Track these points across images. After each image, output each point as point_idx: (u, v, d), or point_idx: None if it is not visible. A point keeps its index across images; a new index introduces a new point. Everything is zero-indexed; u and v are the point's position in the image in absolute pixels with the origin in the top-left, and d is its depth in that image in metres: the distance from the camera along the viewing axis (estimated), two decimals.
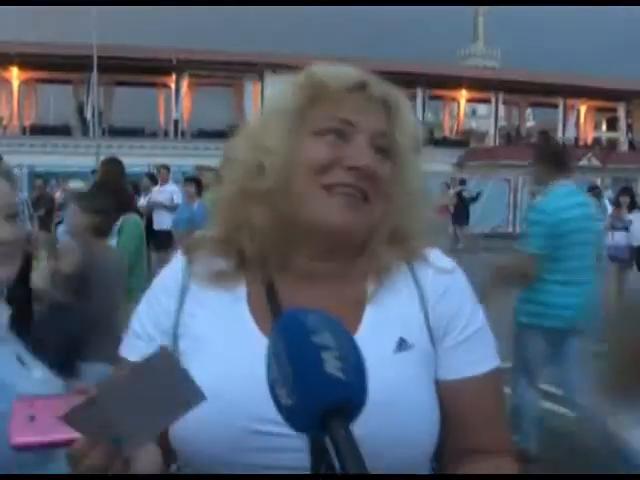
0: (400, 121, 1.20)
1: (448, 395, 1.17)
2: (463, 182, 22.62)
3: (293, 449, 1.05)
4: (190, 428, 1.07)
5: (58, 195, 13.77)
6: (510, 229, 25.02)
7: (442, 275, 1.23)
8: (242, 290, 1.20)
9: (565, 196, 4.53)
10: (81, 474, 1.01)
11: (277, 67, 32.75)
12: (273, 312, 1.16)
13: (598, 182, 26.45)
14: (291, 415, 0.84)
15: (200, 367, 1.11)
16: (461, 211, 21.15)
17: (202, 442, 1.08)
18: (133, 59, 34.86)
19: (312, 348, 0.83)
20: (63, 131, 35.91)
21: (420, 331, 1.18)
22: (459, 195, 21.30)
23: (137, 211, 7.12)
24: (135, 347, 1.20)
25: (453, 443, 1.17)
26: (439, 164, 33.46)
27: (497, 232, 24.80)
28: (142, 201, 11.73)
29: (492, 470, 1.14)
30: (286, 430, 1.02)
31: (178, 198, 11.07)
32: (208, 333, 1.17)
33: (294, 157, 1.16)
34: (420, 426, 1.11)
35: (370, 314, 1.18)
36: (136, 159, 25.31)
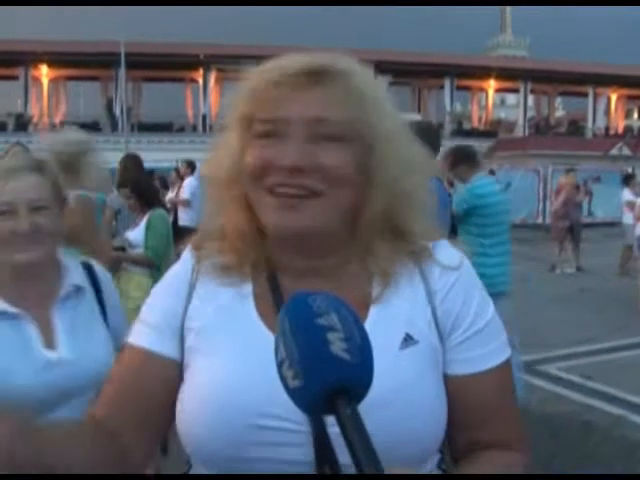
0: (344, 98, 1.11)
1: (457, 390, 1.15)
2: (492, 173, 22.40)
3: (294, 444, 1.05)
4: (194, 423, 1.09)
5: None
6: (540, 220, 24.76)
7: (449, 269, 1.19)
8: (248, 287, 1.19)
9: (487, 185, 5.41)
10: (82, 474, 1.03)
11: None
12: (278, 310, 1.10)
13: (629, 171, 26.15)
14: (297, 396, 0.84)
15: (205, 362, 1.14)
16: None
17: (206, 436, 1.08)
18: (161, 55, 35.08)
19: (318, 329, 0.83)
20: (92, 127, 36.15)
21: (428, 326, 1.16)
22: None
23: (164, 206, 7.16)
24: (143, 334, 1.21)
25: (463, 438, 1.17)
26: None
27: (527, 223, 24.57)
28: (170, 195, 11.77)
29: (504, 467, 1.14)
30: (287, 425, 1.03)
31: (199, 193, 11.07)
32: (214, 329, 1.17)
33: (243, 159, 1.14)
34: (426, 421, 1.10)
35: (375, 311, 1.16)
36: (165, 154, 25.48)
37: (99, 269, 2.18)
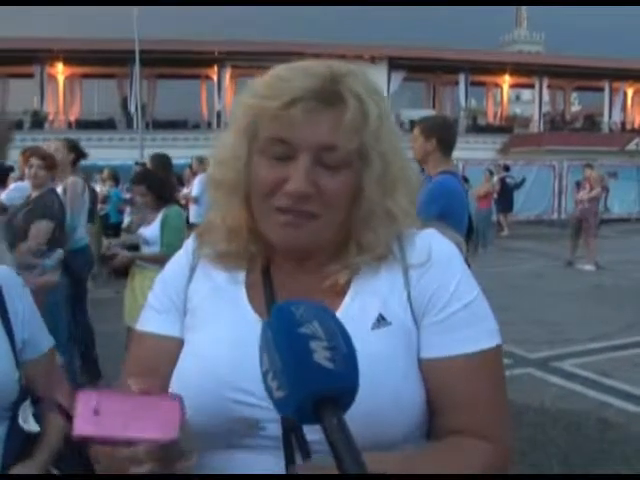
0: (352, 121, 1.13)
1: (430, 374, 1.15)
2: (507, 169, 22.30)
3: (269, 420, 1.08)
4: (186, 397, 1.07)
5: (99, 188, 13.90)
6: (555, 216, 24.63)
7: (426, 254, 1.21)
8: (242, 274, 1.26)
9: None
10: (81, 474, 1.04)
11: (320, 56, 32.68)
12: (266, 297, 1.21)
13: None
14: (283, 406, 0.85)
15: (192, 337, 1.23)
16: (505, 198, 20.87)
17: (198, 410, 1.08)
18: (175, 52, 35.13)
19: (300, 339, 0.84)
20: (108, 125, 36.38)
21: (403, 309, 1.18)
22: (503, 182, 21.02)
23: (179, 203, 7.18)
24: (152, 319, 1.29)
25: (437, 423, 1.18)
26: (482, 151, 33.19)
27: (542, 219, 24.47)
28: (185, 192, 11.80)
29: (459, 455, 1.13)
30: (260, 402, 1.06)
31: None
32: (204, 307, 1.24)
33: (249, 173, 1.19)
34: (393, 400, 1.10)
35: (353, 294, 1.20)
36: (180, 151, 25.51)
37: (2, 274, 1.98)
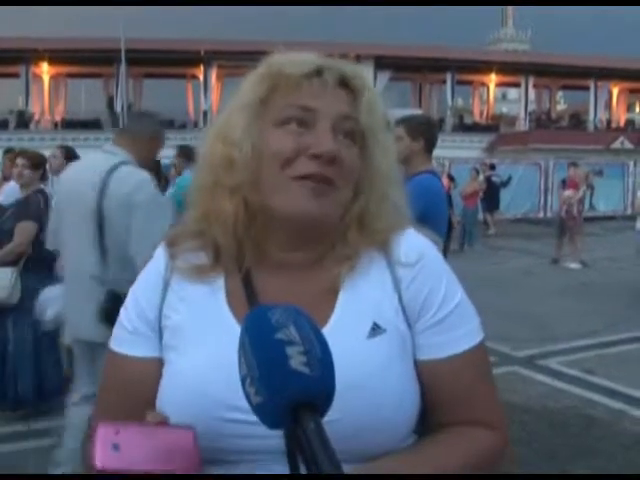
0: (363, 103, 1.19)
1: (427, 375, 1.17)
2: (493, 167, 22.35)
3: (264, 436, 1.03)
4: (170, 414, 1.08)
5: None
6: (541, 214, 24.71)
7: (415, 256, 1.21)
8: (220, 282, 1.21)
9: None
10: (81, 474, 1.04)
11: None
12: (249, 303, 1.17)
13: (631, 165, 26.12)
14: (261, 412, 0.86)
15: (176, 357, 1.17)
16: (491, 196, 20.91)
17: None
18: (161, 51, 35.05)
19: (276, 344, 0.84)
20: (94, 125, 36.22)
21: (395, 314, 1.18)
22: (489, 180, 21.07)
23: None
24: (122, 340, 1.23)
25: (437, 420, 1.19)
26: (469, 149, 33.27)
27: (528, 217, 24.54)
28: (170, 191, 11.76)
29: (467, 440, 1.16)
30: (254, 418, 1.03)
31: None
32: (186, 325, 1.19)
33: (260, 149, 1.16)
34: (395, 407, 1.11)
35: (343, 301, 1.18)
36: (166, 151, 25.40)
37: None
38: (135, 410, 1.13)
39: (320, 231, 1.19)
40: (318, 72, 1.17)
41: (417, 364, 1.18)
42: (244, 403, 1.00)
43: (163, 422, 0.95)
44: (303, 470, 0.86)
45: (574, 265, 13.60)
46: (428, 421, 1.19)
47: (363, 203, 1.21)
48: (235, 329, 1.10)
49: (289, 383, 0.82)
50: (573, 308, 9.63)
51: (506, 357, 7.22)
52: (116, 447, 0.90)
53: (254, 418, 1.01)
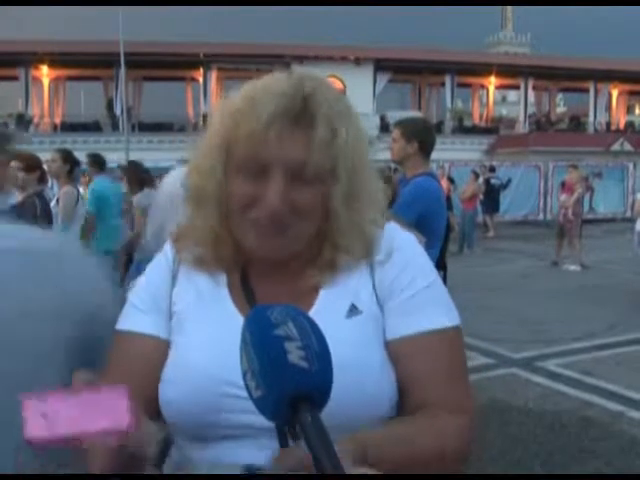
0: (322, 138, 1.18)
1: (396, 353, 1.22)
2: (493, 169, 22.40)
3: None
4: (172, 391, 1.20)
5: (82, 190, 13.91)
6: (541, 216, 24.74)
7: (389, 244, 1.29)
8: (223, 276, 1.30)
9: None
10: (80, 474, 1.06)
11: (304, 59, 32.76)
12: (247, 297, 1.27)
13: (631, 167, 26.14)
14: (261, 405, 0.89)
15: (181, 339, 1.26)
16: (491, 199, 20.95)
17: (181, 403, 1.19)
18: (161, 54, 35.11)
19: (275, 340, 0.88)
20: (93, 127, 36.28)
21: (370, 297, 1.25)
22: (489, 183, 21.10)
23: None
24: (134, 318, 1.31)
25: (407, 399, 1.23)
26: (468, 152, 33.32)
27: (528, 219, 24.57)
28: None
29: (435, 424, 1.19)
30: None
31: None
32: (192, 311, 1.28)
33: (225, 187, 1.23)
34: (378, 384, 1.18)
35: (324, 292, 1.26)
36: (165, 154, 25.45)
37: None
38: (146, 386, 1.22)
39: (289, 258, 1.26)
40: (267, 124, 1.16)
41: (387, 345, 1.23)
42: (239, 379, 1.04)
43: (92, 383, 0.95)
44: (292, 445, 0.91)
45: (573, 267, 13.61)
46: (402, 401, 1.23)
47: (333, 223, 1.25)
48: (236, 316, 1.24)
49: (287, 376, 0.85)
50: (572, 310, 9.63)
51: (504, 359, 7.23)
52: (44, 416, 0.91)
53: (245, 393, 1.07)
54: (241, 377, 0.92)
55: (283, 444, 1.12)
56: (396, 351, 1.22)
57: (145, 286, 1.35)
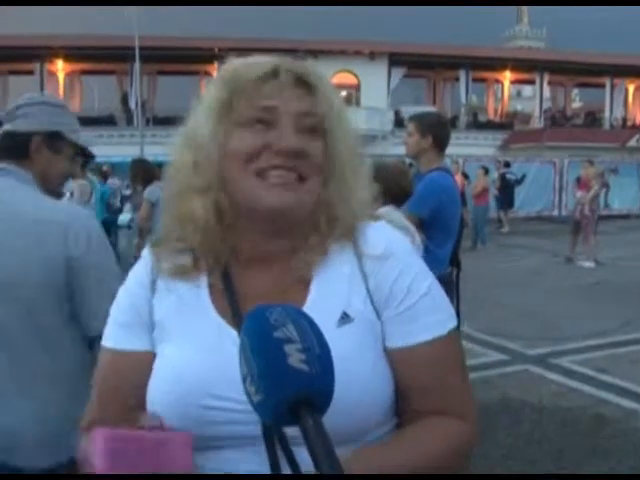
0: (321, 98, 1.22)
1: (397, 362, 1.20)
2: (508, 165, 22.29)
3: (244, 422, 1.10)
4: (156, 403, 1.17)
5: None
6: (555, 212, 24.60)
7: (381, 248, 1.25)
8: (203, 279, 1.26)
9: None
10: (79, 474, 1.06)
11: (318, 53, 32.73)
12: (229, 298, 1.22)
13: None
14: (261, 410, 0.87)
15: (163, 349, 1.23)
16: (506, 194, 20.89)
17: (171, 418, 1.13)
18: (175, 48, 35.18)
19: (274, 343, 0.86)
20: (108, 121, 36.38)
21: (363, 304, 1.21)
22: (503, 178, 21.01)
23: None
24: (115, 334, 1.28)
25: (408, 407, 1.22)
26: (483, 147, 33.20)
27: (542, 215, 24.45)
28: None
29: (438, 433, 1.19)
30: (235, 405, 1.09)
31: None
32: (173, 320, 1.24)
33: (224, 150, 1.20)
34: (363, 392, 1.14)
35: (314, 292, 1.22)
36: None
37: None
38: (130, 403, 1.19)
39: (291, 223, 1.23)
40: (274, 73, 1.20)
41: (387, 352, 1.21)
42: (226, 391, 1.05)
43: (157, 426, 0.97)
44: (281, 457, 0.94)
45: (588, 264, 13.53)
46: (403, 410, 1.23)
47: (329, 193, 1.24)
48: (217, 322, 1.21)
49: (288, 380, 0.84)
50: (586, 307, 9.58)
51: (518, 355, 7.20)
52: (114, 454, 0.93)
53: (234, 405, 1.07)
54: (222, 388, 0.90)
55: (271, 452, 1.11)
56: (396, 359, 1.21)
57: (125, 296, 1.31)
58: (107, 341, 1.29)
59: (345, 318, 1.19)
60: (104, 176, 15.54)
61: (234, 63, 1.27)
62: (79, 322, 2.08)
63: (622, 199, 25.21)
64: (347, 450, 1.06)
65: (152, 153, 22.55)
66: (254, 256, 1.25)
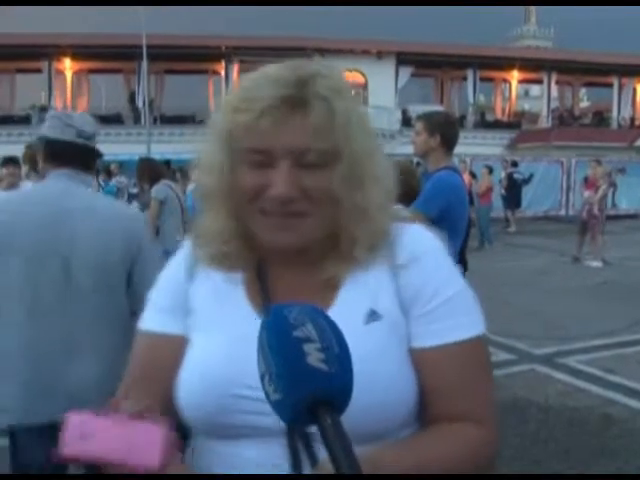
0: (336, 116, 1.17)
1: (421, 363, 1.20)
2: (515, 164, 22.23)
3: (271, 413, 1.07)
4: (187, 391, 1.20)
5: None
6: (563, 212, 24.53)
7: (411, 248, 1.26)
8: (239, 273, 1.28)
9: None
10: (79, 474, 1.07)
11: (326, 52, 32.69)
12: (262, 292, 1.25)
13: None
14: (280, 409, 0.87)
15: (196, 337, 1.26)
16: (513, 194, 20.84)
17: (196, 403, 1.18)
18: (183, 47, 35.16)
19: (294, 342, 0.85)
20: (115, 120, 36.38)
21: (391, 302, 1.22)
22: (511, 178, 20.96)
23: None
24: (154, 318, 1.32)
25: (430, 409, 1.21)
26: (490, 147, 33.11)
27: (550, 215, 24.38)
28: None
29: (457, 439, 1.18)
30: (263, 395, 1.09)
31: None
32: (206, 308, 1.27)
33: (234, 179, 1.21)
34: (388, 393, 1.14)
35: (344, 290, 1.23)
36: (187, 146, 25.47)
37: None
38: (161, 388, 1.22)
39: (306, 248, 1.23)
40: (263, 113, 1.15)
41: (411, 352, 1.21)
42: (250, 380, 1.05)
43: (139, 413, 0.96)
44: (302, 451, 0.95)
45: (595, 263, 13.50)
46: (425, 412, 1.21)
47: (359, 200, 1.22)
48: (250, 313, 1.24)
49: (306, 380, 0.84)
50: (593, 306, 9.55)
51: (525, 355, 7.19)
52: (82, 435, 0.93)
53: (258, 394, 1.05)
54: (254, 378, 0.90)
55: (292, 446, 1.13)
56: (420, 360, 1.20)
57: (165, 283, 1.35)
58: (144, 324, 1.33)
59: (373, 316, 1.19)
60: (109, 174, 15.58)
61: (233, 93, 1.24)
62: (134, 297, 2.59)
63: (630, 199, 25.11)
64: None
65: (159, 151, 22.68)
66: (286, 260, 1.26)
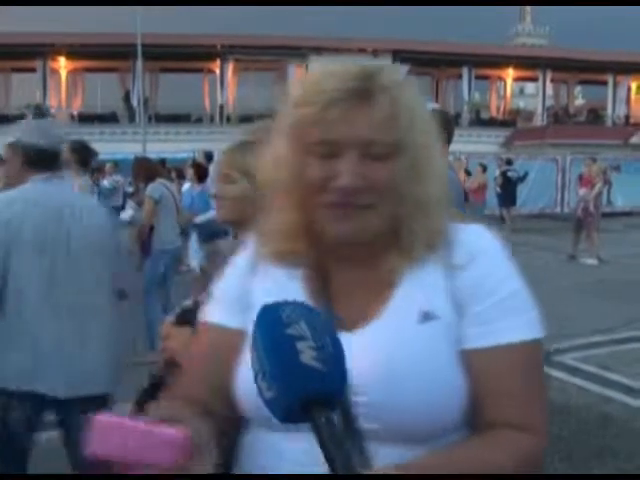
0: (400, 112, 1.20)
1: (472, 364, 1.18)
2: (510, 162, 22.24)
3: None
4: (242, 387, 1.20)
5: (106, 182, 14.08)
6: (558, 209, 24.57)
7: (472, 246, 1.25)
8: (299, 269, 1.29)
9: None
10: (79, 474, 1.06)
11: (321, 50, 32.69)
12: (322, 290, 1.27)
13: None
14: (273, 407, 0.87)
15: None
16: (508, 192, 20.84)
17: (247, 398, 1.18)
18: (178, 46, 35.14)
19: (287, 340, 0.85)
20: (110, 119, 36.38)
21: (445, 302, 1.20)
22: (505, 175, 20.98)
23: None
24: (216, 312, 1.35)
25: (480, 414, 1.18)
26: (486, 144, 33.15)
27: (545, 213, 24.42)
28: (186, 186, 11.80)
29: (503, 451, 1.14)
30: None
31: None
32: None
33: (299, 172, 1.22)
34: (440, 394, 1.13)
35: (401, 288, 1.22)
36: (182, 145, 25.50)
37: None
38: (220, 380, 1.24)
39: (367, 242, 1.23)
40: (329, 105, 1.17)
41: (463, 354, 1.18)
42: None
43: (160, 420, 0.97)
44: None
45: (591, 261, 13.53)
46: (474, 415, 1.18)
47: (420, 194, 1.22)
48: None
49: (300, 378, 0.83)
50: (589, 304, 9.57)
51: None
52: (107, 436, 0.95)
53: None
54: None
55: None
56: (471, 362, 1.18)
57: (229, 277, 1.38)
58: (207, 316, 1.36)
59: (427, 315, 1.18)
60: (101, 173, 15.33)
61: (298, 87, 1.26)
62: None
63: (625, 196, 25.17)
64: (415, 452, 1.06)
65: (154, 150, 22.66)
66: (345, 256, 1.27)
